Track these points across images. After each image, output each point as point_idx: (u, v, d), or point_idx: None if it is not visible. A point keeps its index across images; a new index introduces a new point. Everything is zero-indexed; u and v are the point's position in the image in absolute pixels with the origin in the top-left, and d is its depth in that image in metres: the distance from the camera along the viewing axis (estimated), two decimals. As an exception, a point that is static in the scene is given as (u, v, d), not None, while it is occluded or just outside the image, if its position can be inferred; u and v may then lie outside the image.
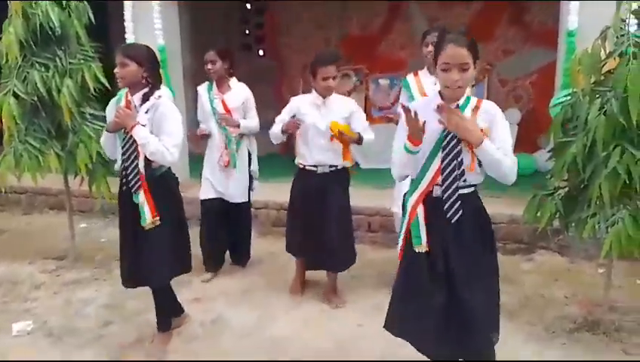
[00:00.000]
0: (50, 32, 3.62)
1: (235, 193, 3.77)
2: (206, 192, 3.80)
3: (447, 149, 2.06)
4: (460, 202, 2.08)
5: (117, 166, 2.83)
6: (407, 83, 3.34)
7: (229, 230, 3.88)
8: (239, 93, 3.74)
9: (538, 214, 2.85)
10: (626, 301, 3.29)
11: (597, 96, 2.63)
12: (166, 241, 2.71)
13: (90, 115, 3.79)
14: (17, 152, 3.64)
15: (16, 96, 3.58)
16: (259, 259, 4.15)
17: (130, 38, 4.87)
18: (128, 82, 2.64)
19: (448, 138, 2.05)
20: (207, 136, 3.76)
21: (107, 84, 3.76)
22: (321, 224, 3.21)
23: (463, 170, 2.07)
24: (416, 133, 2.02)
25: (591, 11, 3.89)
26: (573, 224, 2.78)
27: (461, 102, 2.07)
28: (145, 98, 2.65)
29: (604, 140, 2.51)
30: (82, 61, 3.72)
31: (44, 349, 2.91)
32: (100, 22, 3.88)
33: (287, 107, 3.33)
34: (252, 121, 3.77)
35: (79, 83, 3.66)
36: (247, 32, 8.20)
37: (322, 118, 3.18)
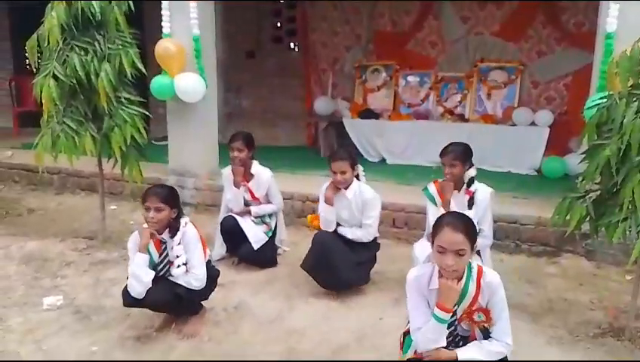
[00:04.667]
0: (90, 18, 3.71)
1: (254, 238, 3.81)
2: (224, 212, 3.96)
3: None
4: None
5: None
6: (429, 192, 3.30)
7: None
8: (262, 181, 3.85)
9: (567, 217, 2.82)
10: (653, 309, 3.23)
11: (634, 99, 2.59)
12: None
13: (126, 99, 3.87)
14: (54, 133, 3.74)
15: (55, 78, 3.68)
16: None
17: (166, 27, 4.95)
18: (162, 226, 2.76)
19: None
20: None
21: (144, 70, 3.86)
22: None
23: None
24: (451, 299, 2.02)
25: (630, 13, 3.82)
26: (603, 228, 2.74)
27: (462, 284, 2.04)
28: (174, 231, 2.79)
29: (640, 144, 2.48)
30: (120, 47, 3.80)
31: (71, 325, 2.99)
32: (136, 9, 3.95)
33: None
34: (272, 206, 3.93)
35: (117, 68, 3.74)
36: (278, 24, 8.26)
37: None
